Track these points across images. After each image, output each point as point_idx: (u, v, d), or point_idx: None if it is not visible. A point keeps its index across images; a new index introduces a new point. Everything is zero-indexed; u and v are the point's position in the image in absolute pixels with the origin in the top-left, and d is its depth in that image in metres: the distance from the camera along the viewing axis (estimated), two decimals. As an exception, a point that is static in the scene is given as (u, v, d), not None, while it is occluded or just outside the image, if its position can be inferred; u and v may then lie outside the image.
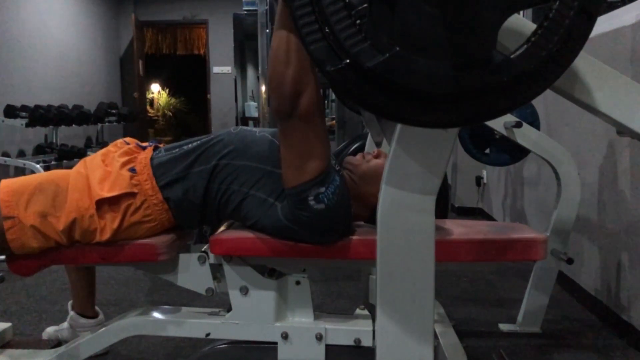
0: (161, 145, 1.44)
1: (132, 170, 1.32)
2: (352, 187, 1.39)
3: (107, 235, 1.28)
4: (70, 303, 1.76)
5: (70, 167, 1.39)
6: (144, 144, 1.45)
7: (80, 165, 1.36)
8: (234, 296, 1.33)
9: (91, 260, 1.34)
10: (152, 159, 1.35)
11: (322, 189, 1.20)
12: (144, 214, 1.30)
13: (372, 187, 1.37)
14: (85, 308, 1.71)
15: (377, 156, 1.43)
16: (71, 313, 1.73)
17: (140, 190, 1.30)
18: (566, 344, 2.00)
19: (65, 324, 1.75)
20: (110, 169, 1.32)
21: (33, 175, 1.37)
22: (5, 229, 1.25)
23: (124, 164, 1.33)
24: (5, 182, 1.31)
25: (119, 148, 1.40)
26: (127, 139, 1.46)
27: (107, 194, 1.27)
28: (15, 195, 1.27)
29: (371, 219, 1.38)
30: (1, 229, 1.26)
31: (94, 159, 1.37)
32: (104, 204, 1.27)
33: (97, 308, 1.75)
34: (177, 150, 1.36)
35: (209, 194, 1.32)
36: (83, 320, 1.71)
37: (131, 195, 1.29)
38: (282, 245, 1.27)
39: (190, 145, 1.36)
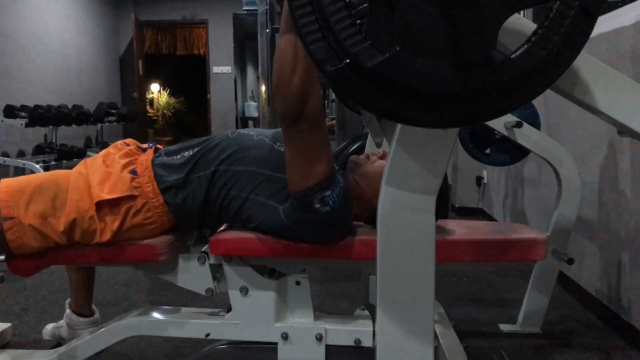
0: (161, 147, 1.44)
1: (133, 172, 1.32)
2: (355, 187, 1.39)
3: (106, 236, 1.28)
4: (68, 301, 1.75)
5: (69, 167, 1.38)
6: (144, 146, 1.45)
7: (80, 166, 1.36)
8: (234, 296, 1.33)
9: (91, 261, 1.34)
10: (153, 161, 1.35)
11: (328, 192, 1.20)
12: (144, 217, 1.30)
13: (373, 188, 1.37)
14: (83, 307, 1.71)
15: (382, 157, 1.42)
16: (68, 311, 1.73)
17: (141, 193, 1.30)
18: (566, 344, 2.00)
19: (62, 322, 1.75)
20: (111, 170, 1.32)
21: (33, 175, 1.37)
22: (5, 229, 1.25)
23: (125, 166, 1.33)
24: (5, 181, 1.31)
25: (119, 149, 1.40)
26: (127, 140, 1.46)
27: (107, 195, 1.27)
28: (16, 196, 1.27)
29: (371, 220, 1.38)
30: (1, 229, 1.25)
31: (94, 160, 1.37)
32: (104, 206, 1.27)
33: (93, 307, 1.75)
34: (178, 156, 1.36)
35: (209, 199, 1.32)
36: (80, 319, 1.70)
37: (132, 197, 1.29)
38: (282, 245, 1.27)
39: (190, 152, 1.36)
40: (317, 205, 1.20)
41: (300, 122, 1.14)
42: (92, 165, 1.34)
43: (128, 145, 1.43)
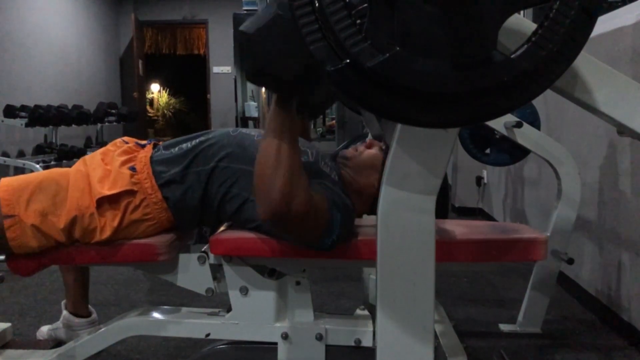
0: (160, 143, 1.44)
1: (132, 169, 1.32)
2: (350, 182, 1.39)
3: (107, 233, 1.28)
4: (63, 302, 1.75)
5: (69, 167, 1.39)
6: (143, 142, 1.45)
7: (80, 164, 1.36)
8: (234, 296, 1.33)
9: (91, 260, 1.34)
10: (151, 157, 1.35)
11: (327, 240, 1.19)
12: (143, 212, 1.30)
13: (368, 178, 1.38)
14: (80, 307, 1.71)
15: (369, 146, 1.43)
16: (64, 312, 1.73)
17: (140, 189, 1.30)
18: (566, 344, 2.00)
19: (59, 324, 1.75)
20: (110, 167, 1.33)
21: (33, 174, 1.37)
22: (5, 227, 1.25)
23: (123, 163, 1.33)
24: (5, 180, 1.31)
25: (118, 147, 1.41)
26: (126, 138, 1.47)
27: (107, 192, 1.27)
28: (16, 194, 1.27)
29: (372, 210, 1.38)
30: (1, 227, 1.25)
31: (93, 157, 1.38)
32: (104, 203, 1.28)
33: (90, 307, 1.75)
34: (175, 149, 1.36)
35: (208, 195, 1.32)
36: (77, 320, 1.70)
37: (131, 193, 1.29)
38: (282, 245, 1.27)
39: (188, 144, 1.36)
40: (320, 245, 1.21)
41: (285, 222, 1.09)
42: (92, 163, 1.34)
43: (127, 142, 1.43)
